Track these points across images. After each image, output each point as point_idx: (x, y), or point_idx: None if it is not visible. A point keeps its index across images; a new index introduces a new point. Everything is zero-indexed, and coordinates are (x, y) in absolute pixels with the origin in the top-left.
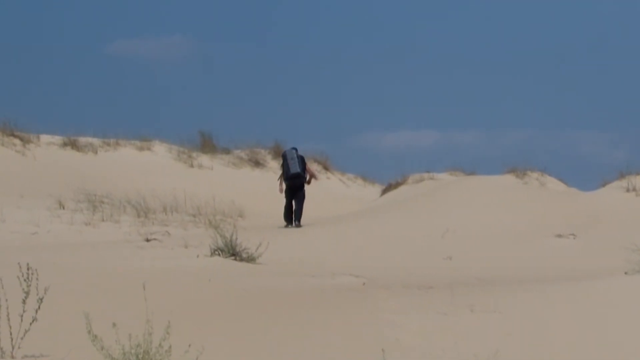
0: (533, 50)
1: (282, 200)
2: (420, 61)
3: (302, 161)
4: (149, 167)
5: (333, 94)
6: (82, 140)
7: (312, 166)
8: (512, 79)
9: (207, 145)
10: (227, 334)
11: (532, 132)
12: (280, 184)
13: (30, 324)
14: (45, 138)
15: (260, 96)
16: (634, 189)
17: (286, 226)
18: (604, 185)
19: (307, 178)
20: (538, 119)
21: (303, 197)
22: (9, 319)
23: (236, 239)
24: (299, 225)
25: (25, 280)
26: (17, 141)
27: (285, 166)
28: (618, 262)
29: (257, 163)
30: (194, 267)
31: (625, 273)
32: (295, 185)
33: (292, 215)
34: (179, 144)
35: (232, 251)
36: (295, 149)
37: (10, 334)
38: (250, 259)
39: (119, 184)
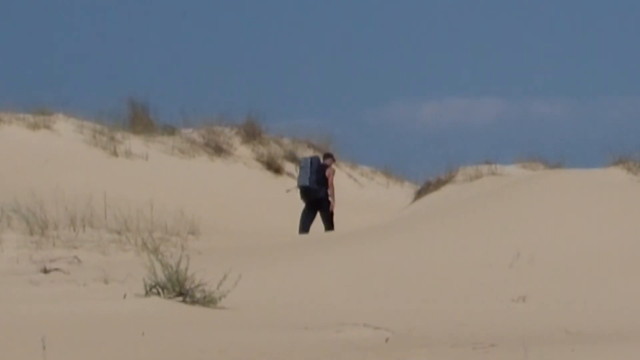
0: None
1: (261, 209)
2: None
3: (317, 171)
4: (47, 154)
5: (340, 44)
6: None
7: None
8: (614, 25)
9: (140, 121)
10: None
11: None
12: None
13: None
14: None
15: (226, 47)
16: None
17: None
18: None
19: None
20: None
21: (326, 216)
22: None
23: (186, 269)
24: None
25: None
26: None
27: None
28: None
29: (218, 149)
30: (119, 314)
31: None
32: (308, 200)
33: (307, 231)
34: (94, 120)
35: (179, 289)
36: (317, 158)
37: None
38: (209, 301)
39: (0, 182)
